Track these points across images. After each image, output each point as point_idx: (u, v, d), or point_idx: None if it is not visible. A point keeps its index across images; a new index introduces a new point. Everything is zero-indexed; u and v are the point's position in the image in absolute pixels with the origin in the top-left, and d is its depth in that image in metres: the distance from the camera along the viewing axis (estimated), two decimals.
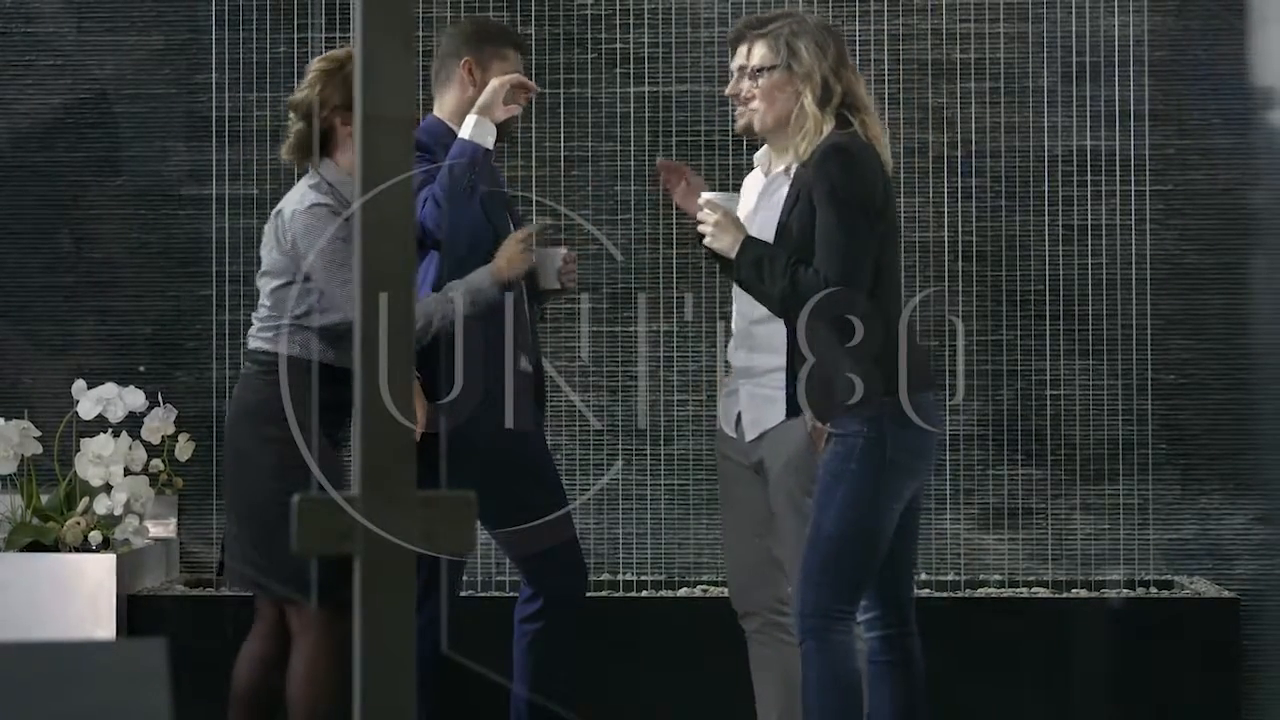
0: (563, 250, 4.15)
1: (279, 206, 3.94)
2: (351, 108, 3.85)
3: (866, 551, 3.62)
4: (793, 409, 3.77)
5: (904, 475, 3.63)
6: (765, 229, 3.85)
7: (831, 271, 3.58)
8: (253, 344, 3.93)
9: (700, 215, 3.80)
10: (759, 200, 4.02)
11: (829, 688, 3.61)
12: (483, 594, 4.84)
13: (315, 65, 4.00)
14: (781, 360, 3.80)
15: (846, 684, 3.63)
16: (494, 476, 3.89)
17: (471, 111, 4.01)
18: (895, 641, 3.74)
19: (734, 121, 3.89)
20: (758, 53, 3.76)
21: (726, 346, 4.17)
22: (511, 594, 4.51)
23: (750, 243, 3.69)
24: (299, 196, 3.91)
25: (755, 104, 3.76)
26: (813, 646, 3.61)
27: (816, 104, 3.66)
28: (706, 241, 3.79)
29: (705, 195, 3.91)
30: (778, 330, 3.89)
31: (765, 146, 4.11)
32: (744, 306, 4.02)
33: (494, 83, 4.03)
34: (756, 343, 4.01)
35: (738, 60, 4.01)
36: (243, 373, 3.99)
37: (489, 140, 3.99)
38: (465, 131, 3.99)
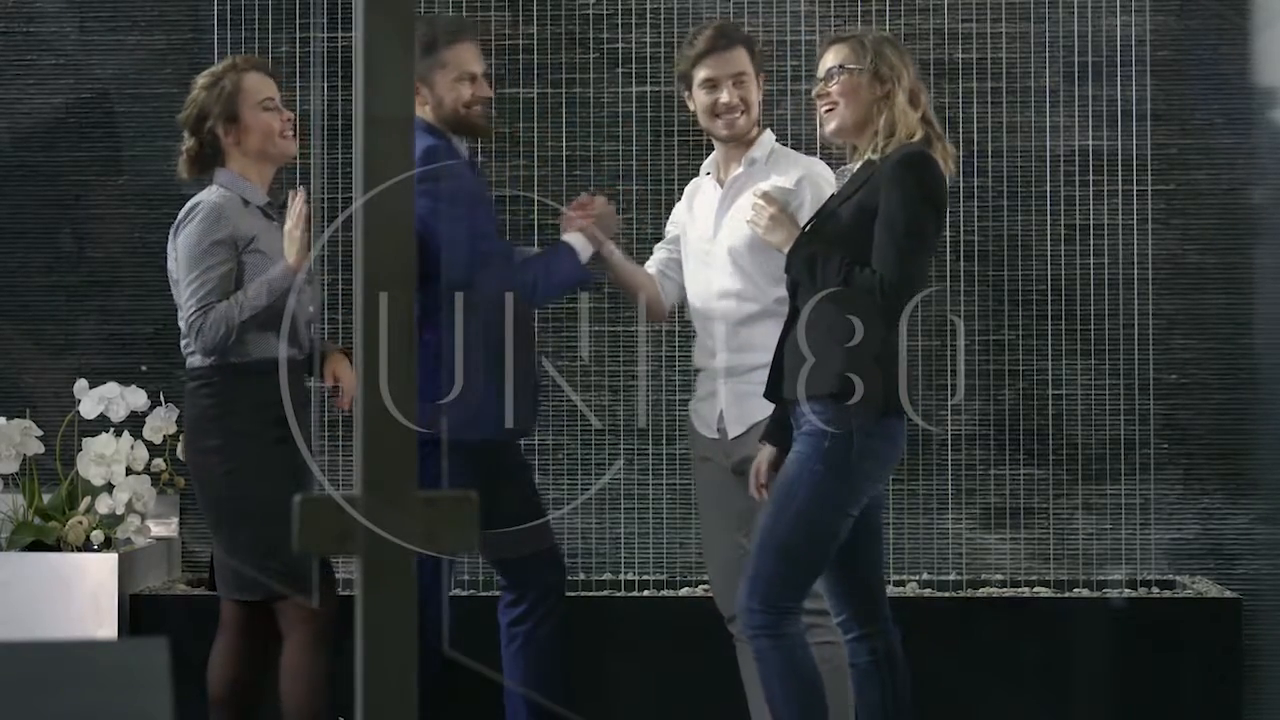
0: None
1: (178, 219, 4.02)
2: (231, 118, 3.97)
3: (820, 551, 3.62)
4: (771, 394, 3.78)
5: (865, 480, 3.63)
6: (735, 235, 3.93)
7: (891, 274, 3.57)
8: (188, 362, 3.99)
9: (754, 207, 3.86)
10: (722, 205, 4.11)
11: (789, 680, 3.62)
12: (484, 594, 4.84)
13: (198, 82, 4.09)
14: (767, 358, 3.82)
15: (806, 674, 3.64)
16: (484, 478, 3.88)
17: (584, 235, 4.14)
18: (874, 641, 3.75)
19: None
20: (838, 54, 3.78)
21: (695, 350, 4.21)
22: None
23: (805, 239, 3.72)
24: (195, 219, 3.97)
25: (833, 100, 3.77)
26: (767, 644, 3.62)
27: (908, 103, 3.69)
28: (760, 234, 3.85)
29: (761, 187, 3.96)
30: (766, 330, 3.93)
31: (712, 155, 4.20)
32: (729, 309, 4.07)
33: (588, 238, 4.15)
34: (742, 343, 4.05)
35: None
36: (185, 392, 4.04)
37: (586, 256, 4.16)
38: (581, 252, 4.13)
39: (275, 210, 4.07)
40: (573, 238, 4.14)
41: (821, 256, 3.65)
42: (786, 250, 3.75)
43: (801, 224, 3.82)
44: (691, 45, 4.16)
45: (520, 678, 4.14)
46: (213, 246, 3.91)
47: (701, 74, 4.12)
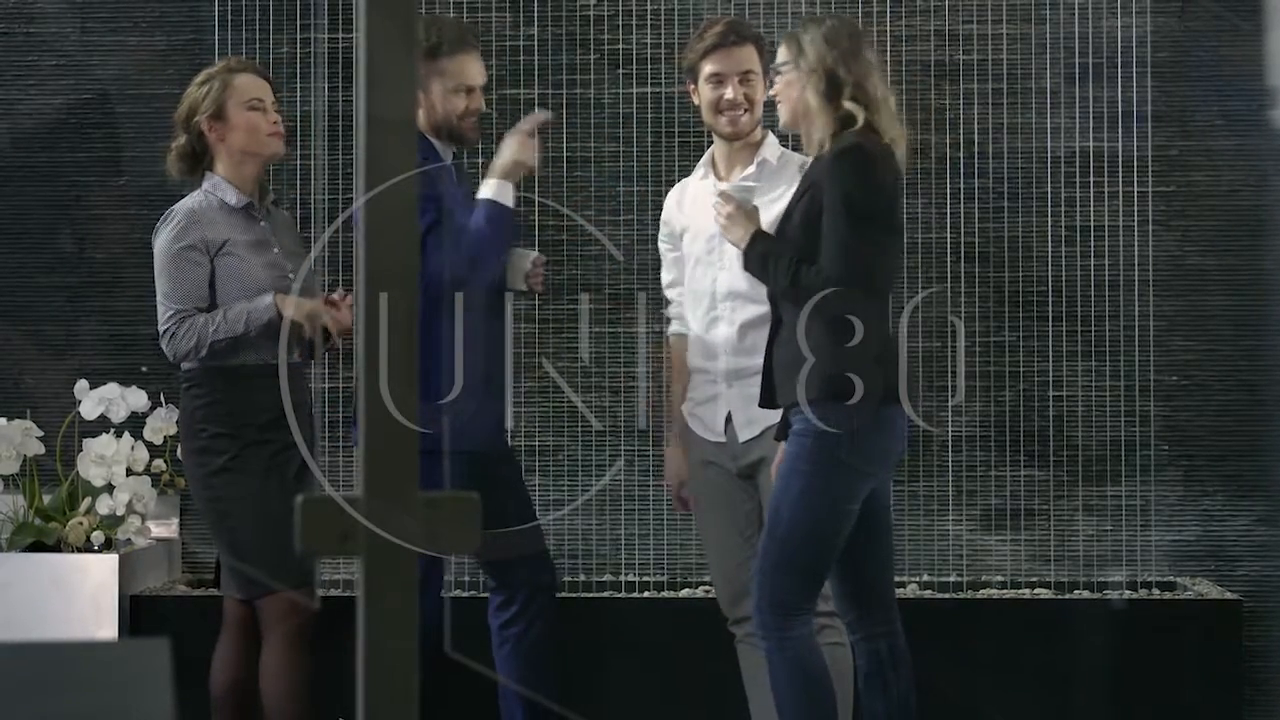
0: (533, 254, 4.15)
1: (157, 224, 4.06)
2: (218, 115, 4.01)
3: (820, 550, 3.62)
4: (766, 402, 3.77)
5: (857, 478, 3.62)
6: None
7: (834, 270, 3.57)
8: (181, 364, 4.03)
9: (715, 205, 3.86)
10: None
11: (797, 681, 3.62)
12: (484, 594, 4.84)
13: (193, 80, 4.14)
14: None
15: (814, 675, 3.64)
16: (479, 480, 3.87)
17: (491, 175, 4.02)
18: (878, 643, 3.74)
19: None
20: (779, 54, 3.79)
21: (689, 351, 4.19)
22: None
23: (760, 236, 3.73)
24: (168, 226, 4.01)
25: (778, 98, 3.79)
26: (774, 645, 3.62)
27: (821, 96, 3.66)
28: (721, 232, 3.85)
29: (722, 186, 3.95)
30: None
31: (709, 152, 4.20)
32: (736, 310, 4.06)
33: (510, 144, 4.02)
34: (750, 345, 4.04)
35: None
36: (180, 393, 4.09)
37: (509, 199, 4.01)
38: (488, 193, 4.00)
39: (260, 210, 4.08)
40: (487, 186, 4.02)
41: (773, 255, 3.66)
42: (743, 248, 3.74)
43: (771, 223, 3.83)
44: (701, 38, 4.13)
45: (517, 678, 4.14)
46: (183, 252, 3.95)
47: (709, 68, 4.10)
